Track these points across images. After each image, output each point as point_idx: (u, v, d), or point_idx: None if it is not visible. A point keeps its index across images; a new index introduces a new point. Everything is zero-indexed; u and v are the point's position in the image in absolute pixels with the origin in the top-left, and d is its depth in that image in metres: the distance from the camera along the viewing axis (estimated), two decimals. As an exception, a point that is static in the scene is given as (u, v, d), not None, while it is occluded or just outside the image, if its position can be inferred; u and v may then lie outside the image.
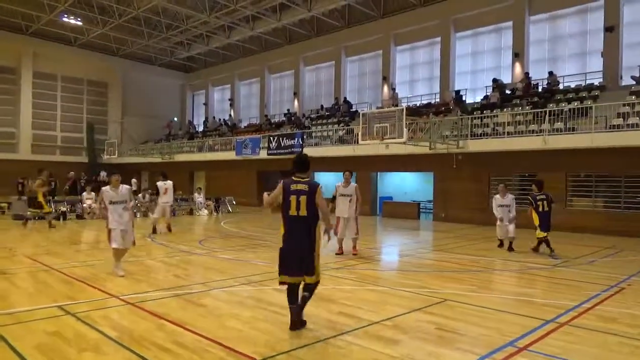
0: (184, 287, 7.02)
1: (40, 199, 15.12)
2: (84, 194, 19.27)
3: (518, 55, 21.85)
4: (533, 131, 16.71)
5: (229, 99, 38.25)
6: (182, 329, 4.97)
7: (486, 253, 11.09)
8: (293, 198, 4.95)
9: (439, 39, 24.99)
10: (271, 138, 25.14)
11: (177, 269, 8.58)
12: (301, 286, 5.06)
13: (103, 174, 25.45)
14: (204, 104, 41.24)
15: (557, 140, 15.76)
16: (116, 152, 33.28)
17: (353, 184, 10.37)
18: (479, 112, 19.86)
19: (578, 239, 14.06)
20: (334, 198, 10.19)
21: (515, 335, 4.93)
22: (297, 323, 4.98)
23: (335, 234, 9.80)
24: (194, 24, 30.82)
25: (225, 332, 4.92)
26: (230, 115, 37.41)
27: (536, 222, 10.54)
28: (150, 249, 11.09)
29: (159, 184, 14.15)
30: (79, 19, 30.83)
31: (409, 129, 17.26)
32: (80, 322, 5.18)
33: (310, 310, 5.80)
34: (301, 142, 23.49)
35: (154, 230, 13.76)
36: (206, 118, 39.09)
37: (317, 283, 5.14)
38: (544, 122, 16.49)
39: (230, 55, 36.89)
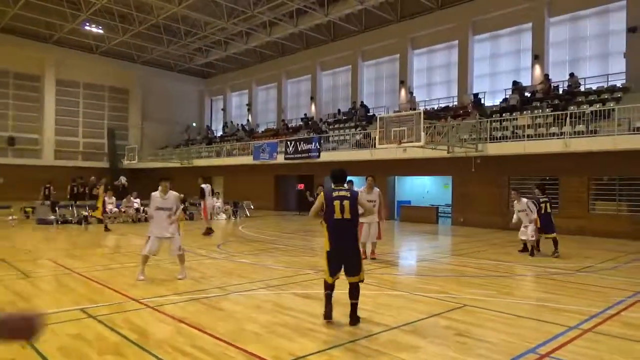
0: (202, 291, 7.07)
1: (100, 204, 15.59)
2: (105, 198, 19.54)
3: (538, 57, 21.57)
4: (554, 134, 16.45)
5: (247, 104, 38.56)
6: (201, 333, 5.01)
7: (506, 258, 10.94)
8: (337, 203, 5.40)
9: (456, 42, 24.81)
10: (288, 142, 25.24)
11: (196, 272, 8.65)
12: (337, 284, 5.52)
13: (122, 179, 25.84)
14: (222, 109, 41.66)
15: (578, 143, 15.48)
16: (136, 157, 33.80)
17: (376, 190, 10.52)
18: (498, 115, 19.64)
19: (601, 244, 13.76)
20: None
21: (536, 342, 4.84)
22: (331, 314, 5.42)
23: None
24: (212, 30, 31.21)
25: (244, 336, 4.94)
26: (248, 120, 37.72)
27: (538, 224, 11.10)
28: (169, 252, 11.18)
29: (204, 186, 14.28)
30: (100, 27, 31.49)
31: (426, 133, 17.15)
32: (102, 324, 5.26)
33: (328, 314, 5.80)
34: (318, 147, 23.54)
35: (210, 232, 13.94)
36: (225, 123, 39.45)
37: (361, 282, 5.45)
38: (565, 125, 16.22)
39: (247, 60, 37.23)
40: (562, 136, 15.90)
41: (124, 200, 19.69)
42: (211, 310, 6.01)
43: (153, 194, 8.05)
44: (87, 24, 30.66)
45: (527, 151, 16.70)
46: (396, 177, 23.20)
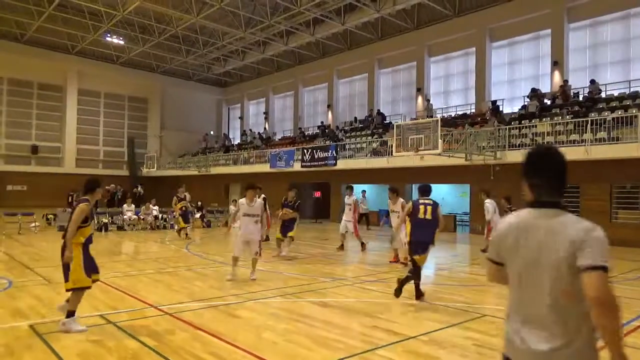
0: (219, 298, 7.11)
1: (177, 213, 15.90)
2: (124, 206, 19.86)
3: (557, 63, 21.29)
4: (574, 141, 16.16)
5: (264, 113, 38.84)
6: (218, 340, 5.03)
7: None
8: (422, 207, 7.47)
9: (474, 49, 24.66)
10: (305, 150, 25.30)
11: (213, 280, 8.70)
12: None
13: (139, 187, 26.25)
14: (240, 117, 42.04)
15: (600, 150, 15.18)
16: (155, 165, 34.26)
17: (400, 200, 10.93)
18: (517, 122, 19.41)
19: (624, 254, 13.42)
20: (388, 214, 11.70)
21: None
22: (421, 295, 7.25)
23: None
24: (230, 40, 31.60)
25: (261, 344, 4.94)
26: (265, 128, 37.97)
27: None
28: (186, 260, 11.30)
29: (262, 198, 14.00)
30: (121, 38, 32.15)
31: (444, 140, 17.02)
32: (121, 331, 5.32)
33: (344, 322, 5.78)
34: (335, 155, 23.54)
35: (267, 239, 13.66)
36: (244, 131, 39.77)
37: (422, 265, 7.40)
38: (586, 132, 15.94)
39: (265, 69, 37.56)
40: (583, 143, 15.62)
41: (143, 207, 19.96)
42: (228, 317, 6.04)
43: (240, 201, 8.91)
44: (108, 35, 31.36)
45: (546, 159, 16.42)
46: (413, 184, 23.05)
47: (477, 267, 10.90)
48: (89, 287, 5.44)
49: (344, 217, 13.42)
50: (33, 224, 17.65)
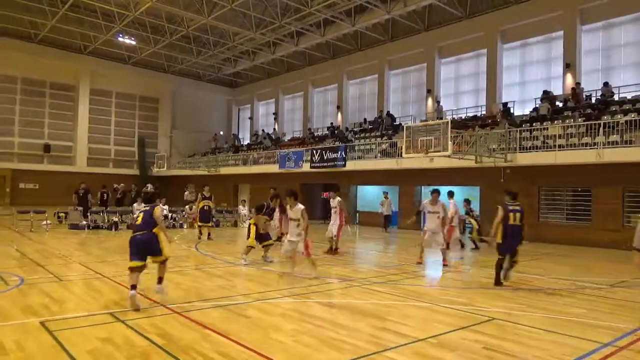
0: (228, 298, 7.13)
1: (197, 212, 15.82)
2: (135, 205, 19.98)
3: (569, 65, 21.10)
4: (586, 144, 16.00)
5: (274, 113, 38.93)
6: (226, 340, 5.04)
7: (536, 271, 10.66)
8: (512, 214, 8.44)
9: (485, 50, 24.52)
10: (314, 151, 25.32)
11: (222, 279, 8.72)
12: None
13: (149, 186, 26.36)
14: (249, 118, 42.18)
15: (613, 153, 15.01)
16: (165, 164, 34.47)
17: (440, 202, 11.22)
18: (528, 124, 19.26)
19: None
20: (418, 212, 12.12)
21: (568, 359, 4.69)
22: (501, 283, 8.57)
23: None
24: (241, 40, 31.74)
25: (269, 345, 4.94)
26: (274, 128, 38.05)
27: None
28: (196, 259, 11.35)
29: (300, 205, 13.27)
30: (133, 39, 32.42)
31: (454, 142, 16.94)
32: (130, 329, 5.36)
33: (352, 324, 5.77)
34: (344, 156, 23.53)
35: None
36: (255, 132, 39.88)
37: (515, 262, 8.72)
38: (599, 135, 15.77)
39: (274, 70, 37.65)
40: (595, 146, 15.46)
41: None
42: (237, 317, 6.05)
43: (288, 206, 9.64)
44: (120, 35, 31.63)
45: (558, 161, 16.29)
46: (422, 186, 22.95)
47: (487, 270, 10.82)
48: None
49: (330, 221, 12.87)
50: (44, 222, 17.84)
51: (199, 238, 15.43)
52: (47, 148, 35.58)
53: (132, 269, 6.42)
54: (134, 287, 6.27)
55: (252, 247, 10.84)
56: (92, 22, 30.81)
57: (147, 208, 7.05)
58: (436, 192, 11.27)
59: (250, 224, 11.40)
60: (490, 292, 8.23)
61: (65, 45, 34.64)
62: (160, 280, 6.89)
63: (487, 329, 5.72)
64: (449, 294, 8.12)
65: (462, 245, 14.75)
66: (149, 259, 6.67)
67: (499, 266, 8.57)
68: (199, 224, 15.70)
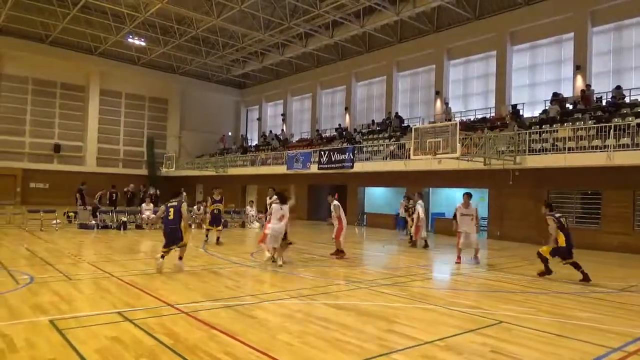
0: (235, 298, 7.15)
1: (208, 215, 15.81)
2: (143, 205, 20.11)
3: (580, 67, 20.94)
4: (596, 147, 15.87)
5: (282, 114, 39.01)
6: (233, 340, 5.06)
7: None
8: (563, 219, 9.61)
9: (494, 52, 24.41)
10: (322, 153, 25.33)
11: (229, 280, 8.75)
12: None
13: (153, 189, 26.56)
14: (258, 119, 42.30)
15: (623, 156, 14.86)
16: (174, 165, 34.65)
17: (473, 206, 11.65)
18: (538, 126, 19.13)
19: (647, 262, 13.12)
20: (455, 217, 12.07)
21: (577, 363, 4.65)
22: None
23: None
24: (249, 42, 31.85)
25: (276, 345, 4.95)
26: (282, 130, 38.12)
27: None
28: (203, 259, 11.39)
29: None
30: (142, 40, 32.65)
31: (462, 144, 16.87)
32: (138, 328, 5.39)
33: (359, 325, 5.77)
34: (352, 157, 23.51)
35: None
36: (264, 133, 39.98)
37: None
38: (609, 138, 15.63)
39: (283, 71, 37.74)
40: (606, 149, 15.31)
41: (161, 207, 20.12)
42: (244, 317, 6.07)
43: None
44: (130, 36, 31.87)
45: (568, 164, 16.16)
46: (430, 188, 22.88)
47: (495, 272, 10.76)
48: None
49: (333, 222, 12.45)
50: (54, 221, 18.02)
51: (206, 241, 15.43)
52: (57, 148, 35.91)
53: (165, 252, 9.01)
54: (163, 256, 8.92)
55: (290, 243, 11.33)
56: (102, 24, 31.07)
57: (175, 204, 9.30)
58: (468, 195, 11.60)
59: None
60: (498, 294, 8.18)
61: (76, 46, 34.97)
62: (180, 258, 9.27)
63: (495, 332, 5.69)
64: (457, 296, 8.08)
65: (426, 245, 15.29)
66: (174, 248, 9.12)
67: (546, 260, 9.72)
68: (208, 227, 15.65)
